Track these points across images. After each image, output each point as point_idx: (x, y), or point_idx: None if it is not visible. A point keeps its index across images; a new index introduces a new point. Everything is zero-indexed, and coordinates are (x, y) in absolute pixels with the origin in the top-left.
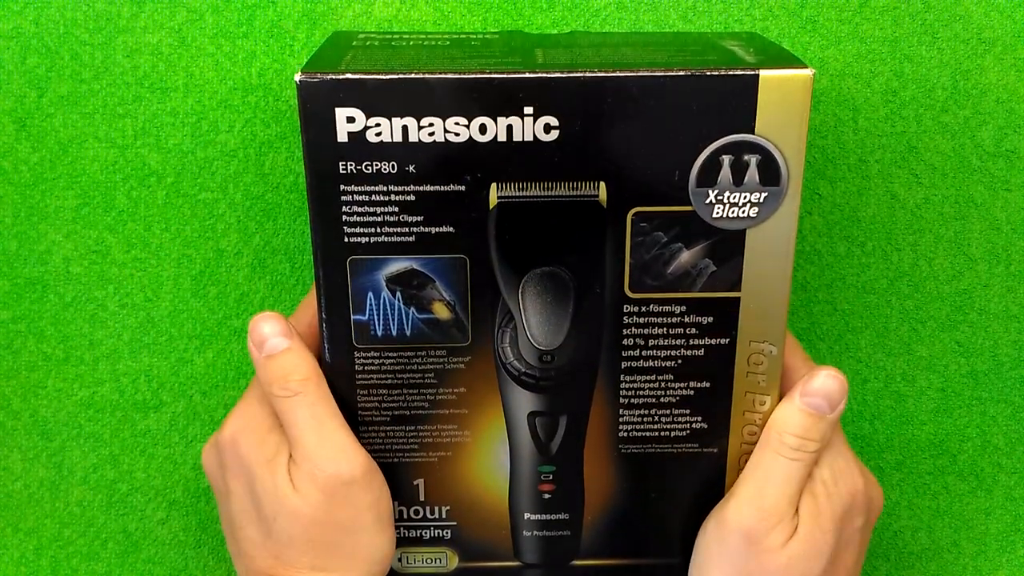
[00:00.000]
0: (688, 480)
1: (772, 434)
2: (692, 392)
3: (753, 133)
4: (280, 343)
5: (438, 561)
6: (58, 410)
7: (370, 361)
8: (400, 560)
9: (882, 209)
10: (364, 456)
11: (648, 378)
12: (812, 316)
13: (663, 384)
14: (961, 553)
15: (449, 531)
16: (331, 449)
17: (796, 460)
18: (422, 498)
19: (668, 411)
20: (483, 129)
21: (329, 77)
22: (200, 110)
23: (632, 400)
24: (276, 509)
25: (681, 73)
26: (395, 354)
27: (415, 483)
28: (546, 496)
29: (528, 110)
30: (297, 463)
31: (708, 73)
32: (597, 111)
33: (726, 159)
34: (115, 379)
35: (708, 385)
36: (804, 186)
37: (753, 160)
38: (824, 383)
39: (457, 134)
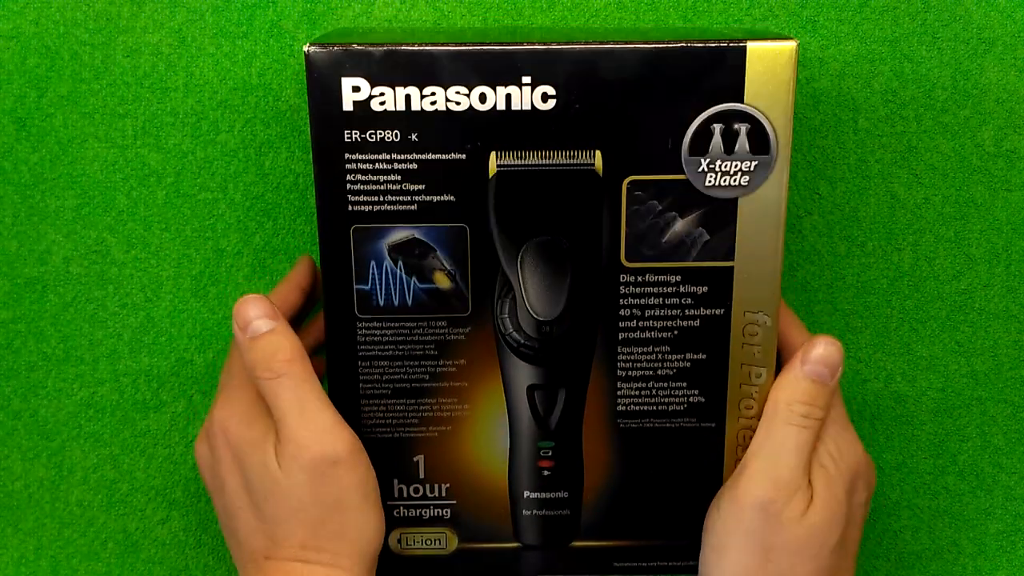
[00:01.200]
0: (687, 456)
1: (780, 405)
2: (689, 364)
3: (742, 102)
4: (265, 324)
5: (437, 542)
6: (58, 410)
7: (372, 332)
8: (399, 541)
9: (882, 209)
10: (349, 435)
11: (645, 350)
12: (812, 316)
13: (660, 356)
14: (961, 553)
15: (448, 510)
16: (315, 429)
17: (806, 428)
18: (422, 475)
19: (665, 384)
20: (483, 98)
21: (337, 48)
22: (200, 110)
23: (630, 373)
24: (266, 489)
25: (673, 45)
26: (396, 324)
27: (415, 459)
28: (545, 473)
29: (526, 79)
30: (282, 444)
31: (699, 45)
32: (593, 81)
33: (717, 128)
34: (115, 379)
35: (704, 357)
36: (804, 186)
37: (743, 129)
38: (825, 350)
39: (458, 103)
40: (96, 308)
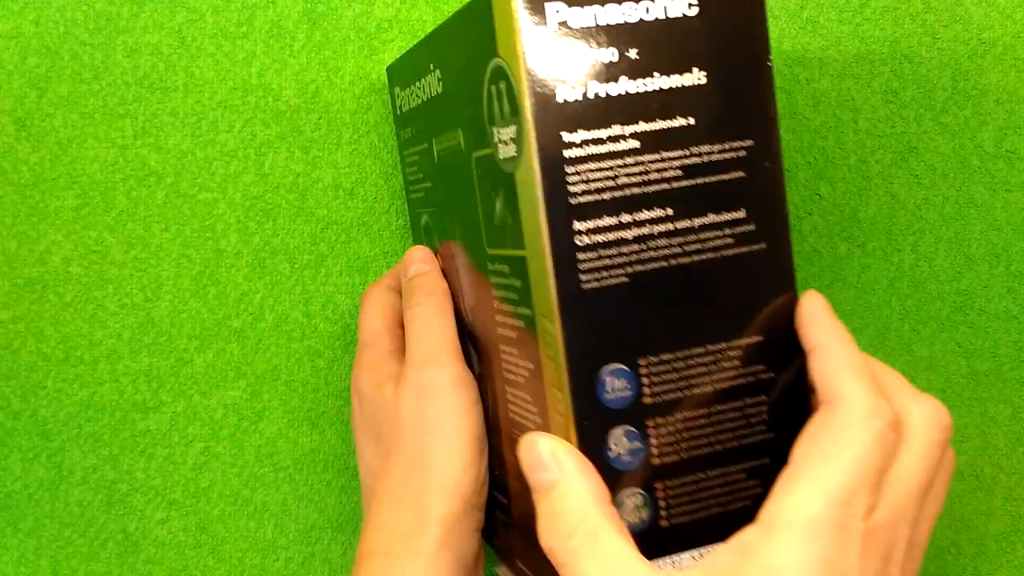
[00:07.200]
0: None
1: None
2: (526, 373)
3: (497, 55)
4: (422, 267)
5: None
6: (58, 410)
7: None
8: None
9: (882, 209)
10: (458, 366)
11: (510, 351)
12: None
13: (510, 360)
14: (961, 553)
15: None
16: (428, 352)
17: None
18: None
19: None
20: None
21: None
22: (200, 110)
23: (509, 377)
24: (383, 415)
25: (467, 6)
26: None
27: None
28: None
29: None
30: (404, 367)
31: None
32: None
33: (493, 89)
34: (115, 379)
35: (532, 367)
36: (804, 186)
37: (504, 87)
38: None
39: None
40: (96, 308)
